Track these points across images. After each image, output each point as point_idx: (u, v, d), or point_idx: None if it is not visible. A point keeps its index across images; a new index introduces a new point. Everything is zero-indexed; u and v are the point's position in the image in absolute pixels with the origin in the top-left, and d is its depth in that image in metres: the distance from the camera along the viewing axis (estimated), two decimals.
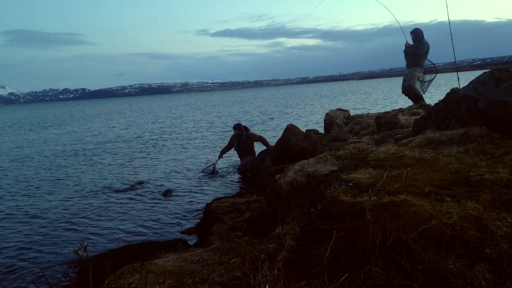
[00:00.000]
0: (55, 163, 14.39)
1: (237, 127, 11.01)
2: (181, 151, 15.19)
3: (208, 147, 15.55)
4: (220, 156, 11.25)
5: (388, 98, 39.32)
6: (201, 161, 12.63)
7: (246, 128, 11.03)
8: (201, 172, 10.84)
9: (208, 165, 11.24)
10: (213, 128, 23.62)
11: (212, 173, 10.59)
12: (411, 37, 9.44)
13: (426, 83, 9.35)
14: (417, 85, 9.45)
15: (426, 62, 9.40)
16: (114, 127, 30.44)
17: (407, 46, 9.46)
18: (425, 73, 9.44)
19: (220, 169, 10.99)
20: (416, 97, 9.55)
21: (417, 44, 9.31)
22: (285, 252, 2.25)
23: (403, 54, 9.67)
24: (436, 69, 9.33)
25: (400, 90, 10.13)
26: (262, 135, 11.97)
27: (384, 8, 10.17)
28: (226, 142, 12.06)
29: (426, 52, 9.30)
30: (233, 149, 11.25)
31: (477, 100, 3.51)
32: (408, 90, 9.53)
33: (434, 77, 9.33)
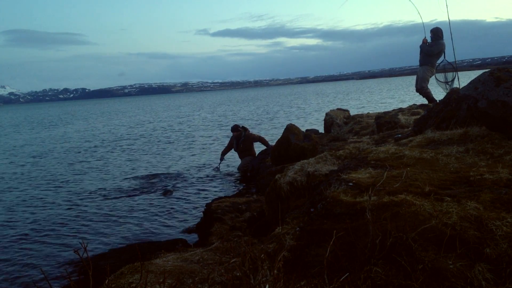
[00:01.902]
0: (58, 162, 14.40)
1: (235, 128, 11.02)
2: (182, 151, 15.19)
3: (210, 146, 15.57)
4: (222, 158, 11.28)
5: (389, 97, 39.34)
6: (202, 161, 12.63)
7: (244, 129, 11.02)
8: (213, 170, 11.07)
9: (212, 167, 11.27)
10: (217, 127, 23.66)
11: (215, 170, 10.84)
12: (430, 35, 9.39)
13: (450, 83, 9.32)
14: (439, 85, 9.38)
15: (448, 66, 9.34)
16: (118, 126, 30.60)
17: (425, 42, 9.41)
18: (446, 71, 9.37)
19: (220, 168, 11.06)
20: (429, 99, 9.53)
21: (432, 43, 9.28)
22: (285, 252, 2.25)
23: (416, 51, 9.68)
24: (455, 68, 9.28)
25: (414, 88, 10.11)
26: (261, 134, 11.98)
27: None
28: (227, 142, 12.09)
29: (440, 52, 9.24)
30: (233, 150, 11.28)
31: (477, 100, 3.51)
32: (421, 92, 9.51)
33: (455, 76, 9.29)
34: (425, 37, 9.43)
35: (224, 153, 11.34)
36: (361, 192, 2.64)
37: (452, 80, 9.23)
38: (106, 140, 20.67)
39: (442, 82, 9.33)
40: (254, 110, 38.82)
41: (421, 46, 9.46)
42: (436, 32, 9.29)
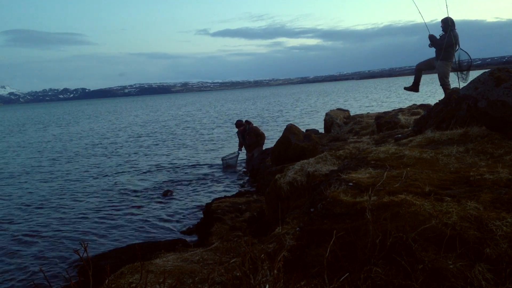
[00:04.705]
0: (60, 160, 14.42)
1: (240, 124, 11.31)
2: (182, 150, 15.20)
3: (212, 146, 15.58)
4: (240, 149, 11.62)
5: (389, 97, 39.36)
6: (202, 161, 12.63)
7: (248, 122, 11.36)
8: (223, 160, 11.30)
9: (231, 156, 11.37)
10: (221, 126, 23.75)
11: (227, 166, 11.01)
12: (441, 25, 9.23)
13: (465, 73, 9.15)
14: (456, 74, 9.17)
15: (464, 55, 9.12)
16: (125, 125, 30.96)
17: (431, 37, 9.23)
18: (461, 65, 9.17)
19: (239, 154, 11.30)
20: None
21: (444, 35, 9.11)
22: (285, 252, 2.25)
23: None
24: (471, 61, 9.10)
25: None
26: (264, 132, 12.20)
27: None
28: (231, 140, 12.48)
29: (455, 43, 9.05)
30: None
31: (477, 100, 3.51)
32: (444, 89, 9.33)
33: (470, 65, 9.12)
34: (429, 33, 9.25)
35: (240, 147, 11.66)
36: (361, 192, 2.64)
37: (468, 71, 9.05)
38: (109, 139, 20.79)
39: (460, 72, 9.14)
40: (262, 107, 39.18)
41: (433, 42, 9.19)
42: (447, 22, 9.09)
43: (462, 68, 8.95)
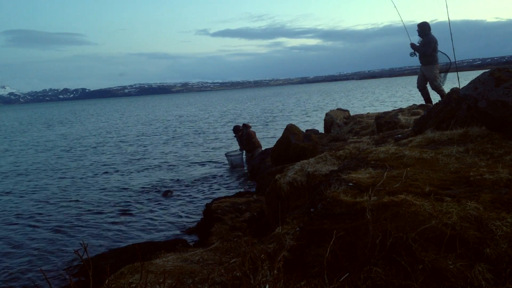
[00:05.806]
0: (62, 160, 14.43)
1: (237, 130, 11.50)
2: (183, 150, 15.20)
3: (212, 146, 15.58)
4: (241, 149, 11.70)
5: (389, 97, 39.36)
6: (202, 160, 12.64)
7: (246, 126, 11.44)
8: (227, 156, 11.42)
9: (235, 154, 11.43)
10: (221, 126, 23.79)
11: (234, 166, 11.10)
12: (417, 29, 9.29)
13: (444, 75, 9.21)
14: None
15: (442, 56, 9.19)
16: (130, 124, 31.15)
17: (412, 46, 9.30)
18: (441, 68, 9.25)
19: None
20: (442, 96, 9.44)
21: (424, 42, 9.17)
22: (285, 252, 2.25)
23: (407, 54, 9.53)
24: (450, 62, 9.17)
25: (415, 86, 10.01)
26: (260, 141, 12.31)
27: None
28: (232, 140, 12.65)
29: (435, 47, 9.14)
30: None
31: (477, 100, 3.50)
32: (437, 91, 9.38)
33: (449, 66, 9.18)
34: (411, 42, 9.36)
35: (241, 148, 11.76)
36: (361, 192, 2.64)
37: (446, 72, 9.14)
38: (115, 138, 20.89)
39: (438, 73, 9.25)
40: (264, 107, 39.27)
41: (416, 50, 9.31)
42: (423, 27, 9.17)
43: (441, 70, 9.06)
